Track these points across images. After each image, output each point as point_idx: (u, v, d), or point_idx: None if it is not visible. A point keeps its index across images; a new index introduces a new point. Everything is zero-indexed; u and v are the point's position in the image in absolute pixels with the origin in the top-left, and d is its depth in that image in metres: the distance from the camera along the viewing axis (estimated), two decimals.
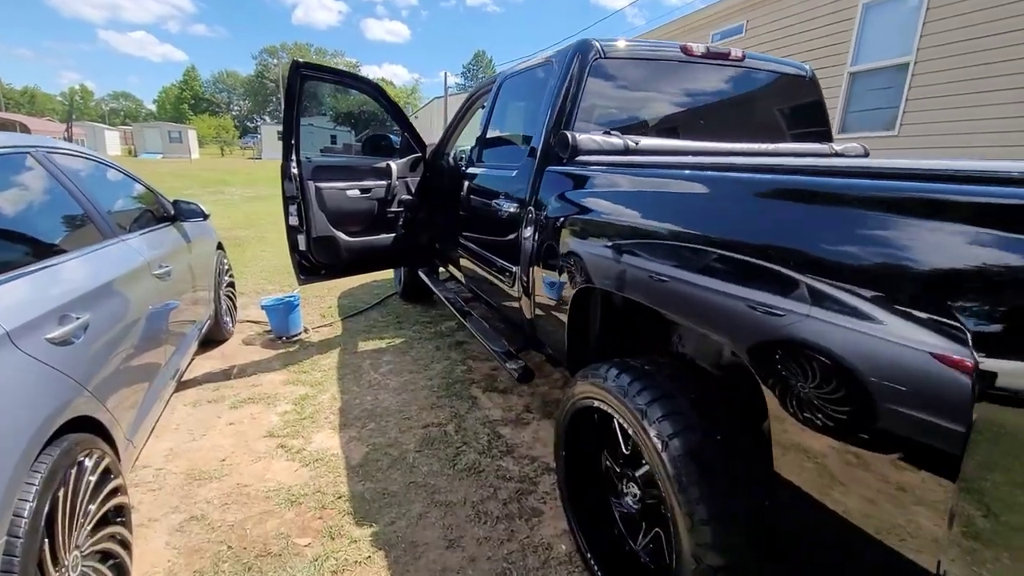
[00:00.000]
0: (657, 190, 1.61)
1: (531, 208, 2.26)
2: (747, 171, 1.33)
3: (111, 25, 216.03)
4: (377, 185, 3.76)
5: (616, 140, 2.14)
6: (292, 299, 4.05)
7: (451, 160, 4.27)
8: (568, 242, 1.91)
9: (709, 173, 1.42)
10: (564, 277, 1.94)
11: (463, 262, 3.25)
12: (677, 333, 1.82)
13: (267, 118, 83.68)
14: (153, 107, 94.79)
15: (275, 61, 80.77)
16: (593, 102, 2.27)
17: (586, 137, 2.09)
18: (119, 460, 1.73)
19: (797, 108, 2.75)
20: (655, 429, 1.34)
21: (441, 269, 4.48)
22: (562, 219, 1.99)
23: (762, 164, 1.39)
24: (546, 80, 2.42)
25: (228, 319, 4.00)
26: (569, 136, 2.05)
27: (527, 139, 2.50)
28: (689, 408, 1.36)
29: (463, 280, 3.48)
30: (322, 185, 3.47)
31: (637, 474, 1.58)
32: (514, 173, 2.47)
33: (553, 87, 2.31)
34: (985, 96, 5.10)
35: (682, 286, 1.34)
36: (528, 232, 2.26)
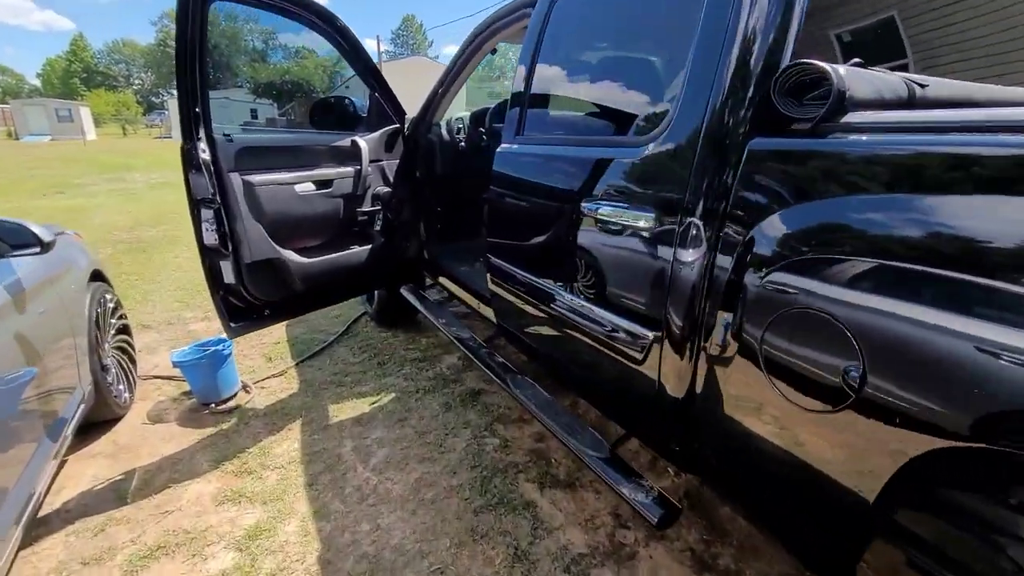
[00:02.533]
0: None
1: (696, 222, 1.15)
2: None
3: None
4: (341, 174, 2.49)
5: (892, 78, 1.05)
6: (220, 346, 2.74)
7: (446, 133, 3.04)
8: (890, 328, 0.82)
9: None
10: (852, 384, 0.85)
11: (496, 290, 2.10)
12: None
13: (175, 92, 75.86)
14: (38, 82, 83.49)
15: None
16: (821, 6, 1.15)
17: (853, 73, 0.98)
18: None
19: None
20: None
21: (429, 280, 3.29)
22: (844, 260, 0.89)
23: None
24: None
25: (123, 386, 2.65)
26: (832, 73, 0.93)
27: (649, 92, 1.36)
28: None
29: (491, 316, 2.31)
30: (255, 179, 2.17)
31: None
32: (641, 154, 1.32)
33: None
34: None
35: None
36: (689, 260, 1.17)
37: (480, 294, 2.41)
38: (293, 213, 2.31)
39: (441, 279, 3.00)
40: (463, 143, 3.12)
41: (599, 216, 1.42)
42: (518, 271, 1.87)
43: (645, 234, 1.29)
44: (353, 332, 3.64)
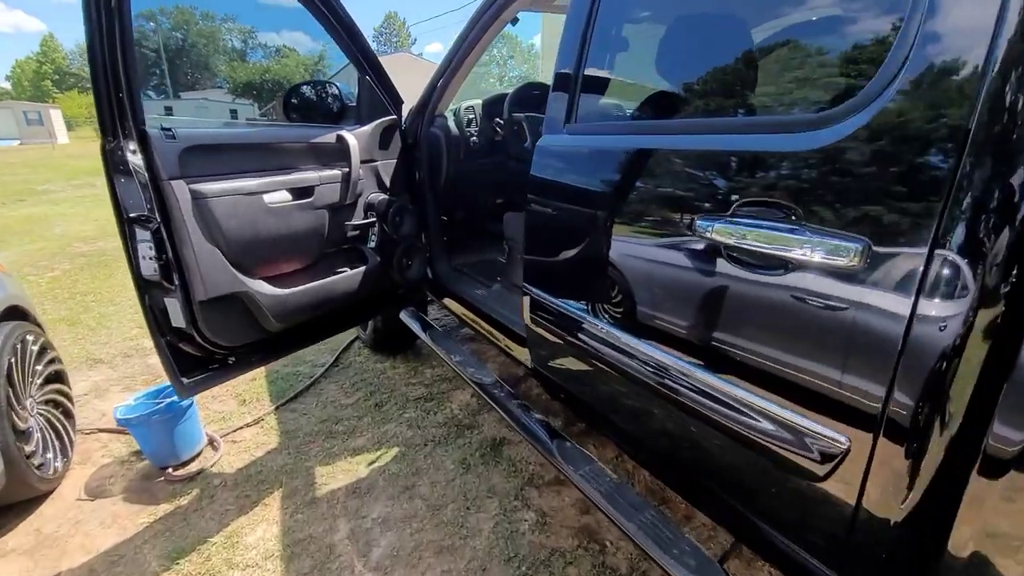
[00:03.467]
0: None
1: (955, 258, 0.65)
2: None
3: None
4: (324, 179, 1.95)
5: None
6: (176, 397, 2.18)
7: (454, 126, 2.52)
8: None
9: None
10: None
11: (537, 331, 1.58)
12: None
13: (152, 93, 74.17)
14: (8, 85, 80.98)
15: (153, 27, 71.02)
16: None
17: None
18: None
19: None
20: None
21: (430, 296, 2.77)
22: None
23: None
24: None
25: (52, 453, 2.09)
26: None
27: (831, 31, 0.86)
28: None
29: (523, 357, 1.80)
30: (207, 188, 1.62)
31: None
32: (820, 142, 0.81)
33: None
34: None
35: None
36: (943, 317, 0.67)
37: (509, 329, 1.89)
38: (262, 231, 1.76)
39: (447, 300, 2.48)
40: (475, 137, 2.59)
41: (730, 241, 0.91)
42: (579, 313, 1.35)
43: (834, 273, 0.78)
44: (344, 363, 3.09)
